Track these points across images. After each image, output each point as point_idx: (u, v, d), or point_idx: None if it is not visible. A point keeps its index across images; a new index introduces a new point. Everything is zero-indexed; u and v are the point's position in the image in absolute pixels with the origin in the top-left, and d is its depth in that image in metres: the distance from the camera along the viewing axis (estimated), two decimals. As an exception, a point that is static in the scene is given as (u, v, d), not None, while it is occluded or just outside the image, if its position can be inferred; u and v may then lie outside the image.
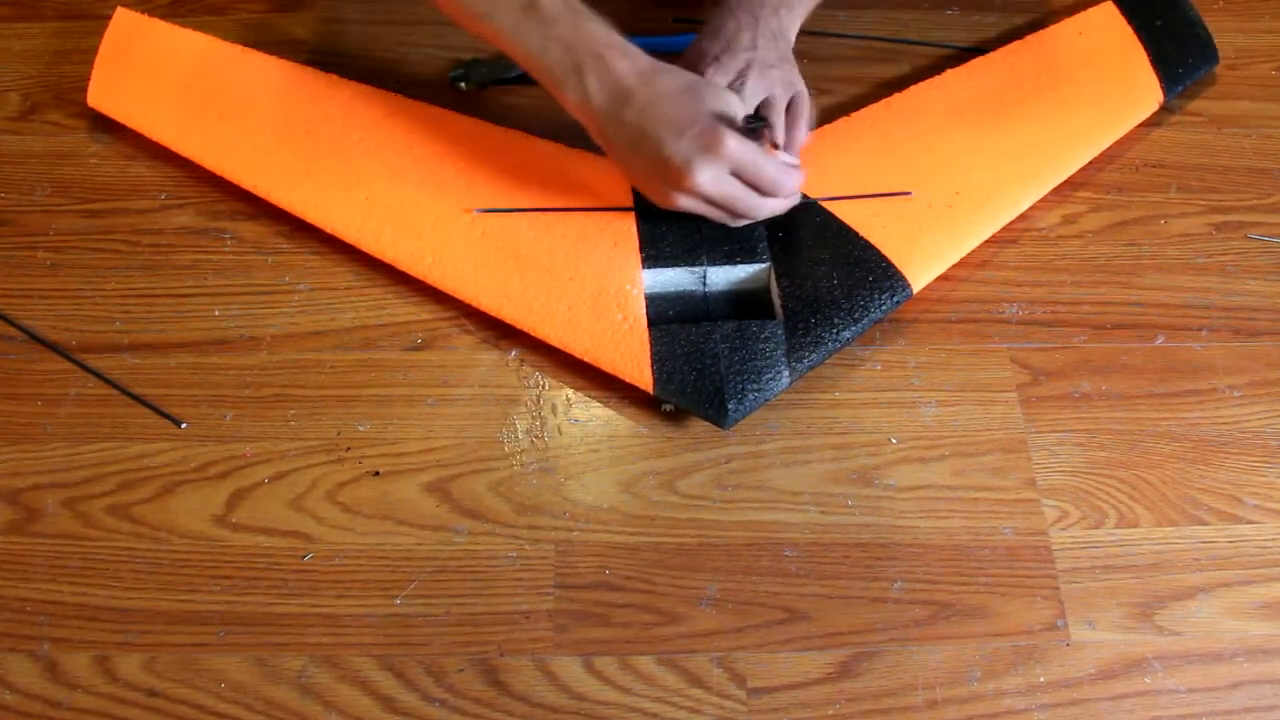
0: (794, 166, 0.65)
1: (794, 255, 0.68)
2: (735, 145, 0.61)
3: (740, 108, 0.64)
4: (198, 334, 0.67)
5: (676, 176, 0.61)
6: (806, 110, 0.68)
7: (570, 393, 0.66)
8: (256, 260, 0.71)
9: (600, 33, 0.64)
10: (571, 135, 0.75)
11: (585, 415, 0.65)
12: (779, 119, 0.66)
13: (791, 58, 0.70)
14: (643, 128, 0.62)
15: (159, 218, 0.71)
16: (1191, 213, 0.75)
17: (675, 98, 0.62)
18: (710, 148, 0.60)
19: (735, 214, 0.65)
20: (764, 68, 0.67)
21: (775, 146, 0.66)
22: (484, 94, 0.79)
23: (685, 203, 0.63)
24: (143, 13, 0.79)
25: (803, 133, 0.67)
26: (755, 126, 0.64)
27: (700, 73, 0.66)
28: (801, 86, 0.69)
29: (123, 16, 0.78)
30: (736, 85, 0.66)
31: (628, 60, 0.63)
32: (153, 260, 0.70)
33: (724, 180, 0.62)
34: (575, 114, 0.65)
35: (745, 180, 0.63)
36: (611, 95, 0.63)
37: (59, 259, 0.70)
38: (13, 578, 0.59)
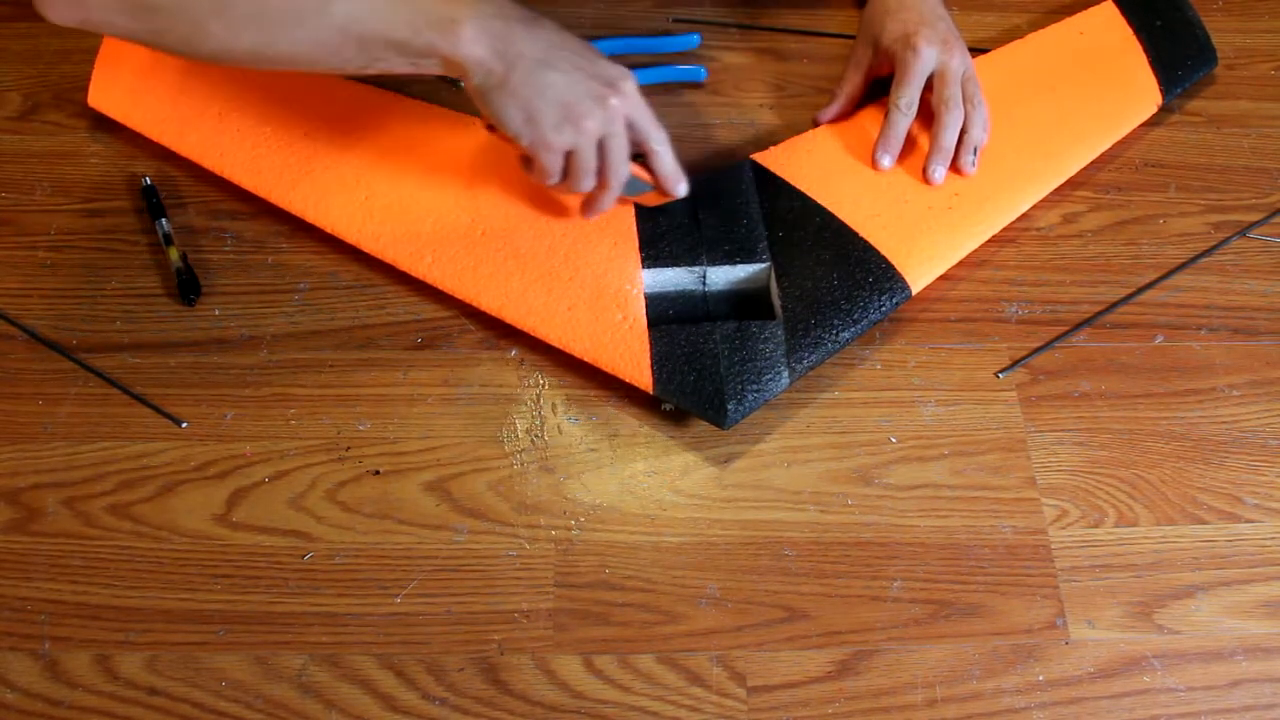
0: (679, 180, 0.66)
1: (794, 255, 0.68)
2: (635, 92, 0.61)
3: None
4: (198, 334, 0.67)
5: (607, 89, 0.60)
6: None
7: (570, 392, 0.66)
8: (256, 260, 0.71)
9: None
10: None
11: (585, 415, 0.65)
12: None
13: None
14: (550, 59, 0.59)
15: (159, 217, 0.71)
16: (1191, 212, 0.75)
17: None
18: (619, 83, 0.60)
19: (579, 177, 0.63)
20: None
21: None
22: (484, 94, 0.79)
23: (567, 139, 0.60)
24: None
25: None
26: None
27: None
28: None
29: (123, 17, 0.78)
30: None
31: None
32: (153, 260, 0.70)
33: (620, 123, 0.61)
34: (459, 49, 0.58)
35: (630, 137, 0.62)
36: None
37: (59, 259, 0.70)
38: (13, 577, 0.59)
